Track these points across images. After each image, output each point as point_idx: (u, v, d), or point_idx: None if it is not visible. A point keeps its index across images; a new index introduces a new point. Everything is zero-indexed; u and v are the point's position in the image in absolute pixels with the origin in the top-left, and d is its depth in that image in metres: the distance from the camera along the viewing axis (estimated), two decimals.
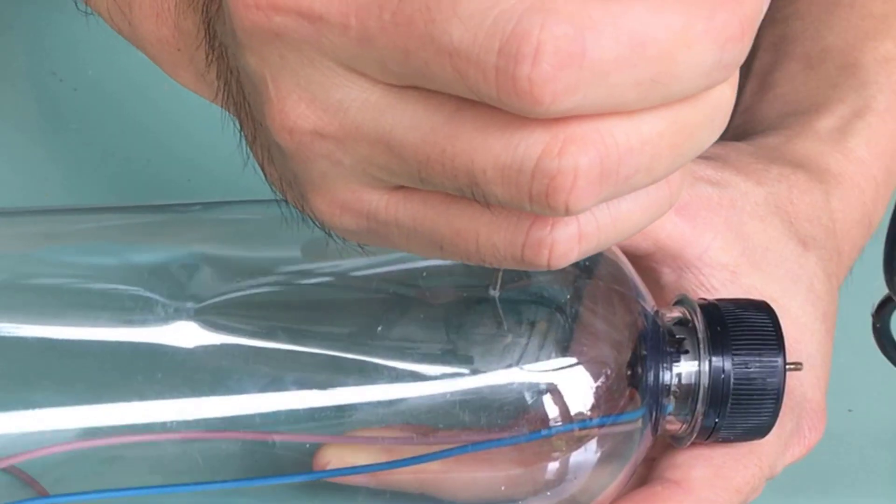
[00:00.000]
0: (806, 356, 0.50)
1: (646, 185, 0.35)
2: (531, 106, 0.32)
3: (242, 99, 0.38)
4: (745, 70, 0.62)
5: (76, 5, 0.48)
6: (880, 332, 0.44)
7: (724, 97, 0.35)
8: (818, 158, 0.55)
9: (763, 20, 0.63)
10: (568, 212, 0.33)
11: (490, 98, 0.32)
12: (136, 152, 0.65)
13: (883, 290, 0.61)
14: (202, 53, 0.41)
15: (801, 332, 0.50)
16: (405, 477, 0.46)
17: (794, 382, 0.49)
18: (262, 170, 0.40)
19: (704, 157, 0.53)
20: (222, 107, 0.41)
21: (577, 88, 0.32)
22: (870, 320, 0.50)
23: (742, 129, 0.58)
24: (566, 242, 0.35)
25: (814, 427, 0.50)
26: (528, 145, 0.33)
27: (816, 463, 0.54)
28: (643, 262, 0.50)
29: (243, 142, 0.40)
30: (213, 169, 0.63)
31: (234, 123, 0.40)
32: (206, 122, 0.65)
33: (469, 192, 0.34)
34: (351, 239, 0.39)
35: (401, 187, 0.36)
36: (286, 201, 0.39)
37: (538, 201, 0.33)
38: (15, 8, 0.71)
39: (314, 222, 0.39)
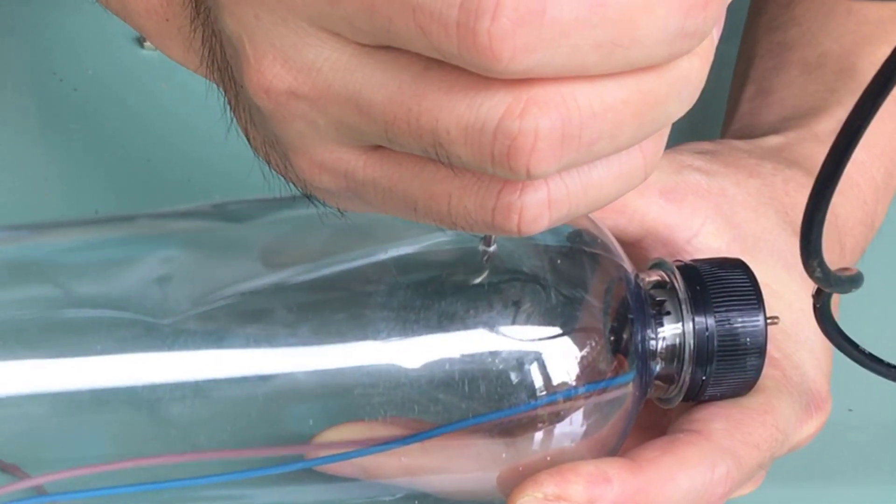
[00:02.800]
0: (803, 339, 0.50)
1: (609, 154, 0.35)
2: (490, 62, 0.32)
3: (225, 63, 0.39)
4: (743, 77, 0.62)
5: None
6: (820, 312, 0.44)
7: (692, 70, 0.35)
8: (816, 158, 0.55)
9: (760, 28, 0.64)
10: (529, 175, 0.34)
11: (452, 55, 0.33)
12: (136, 152, 0.65)
13: (886, 291, 0.61)
14: (188, 20, 0.41)
15: (797, 316, 0.50)
16: (393, 467, 0.46)
17: (794, 364, 0.50)
18: (246, 136, 0.40)
19: (696, 151, 0.53)
20: (207, 76, 0.41)
21: (537, 47, 0.32)
22: (869, 319, 0.51)
23: (740, 133, 0.58)
24: (535, 208, 0.35)
25: (819, 408, 0.50)
26: (491, 106, 0.33)
27: (817, 462, 0.54)
28: (633, 249, 0.50)
29: (233, 119, 0.40)
30: (214, 168, 0.63)
31: (229, 115, 0.41)
32: (206, 122, 0.66)
33: (434, 152, 0.34)
34: (331, 202, 0.39)
35: (377, 148, 0.36)
36: (270, 167, 0.40)
37: (500, 163, 0.33)
38: (15, 8, 0.71)
39: (296, 186, 0.39)
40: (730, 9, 0.62)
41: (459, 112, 0.33)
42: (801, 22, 0.62)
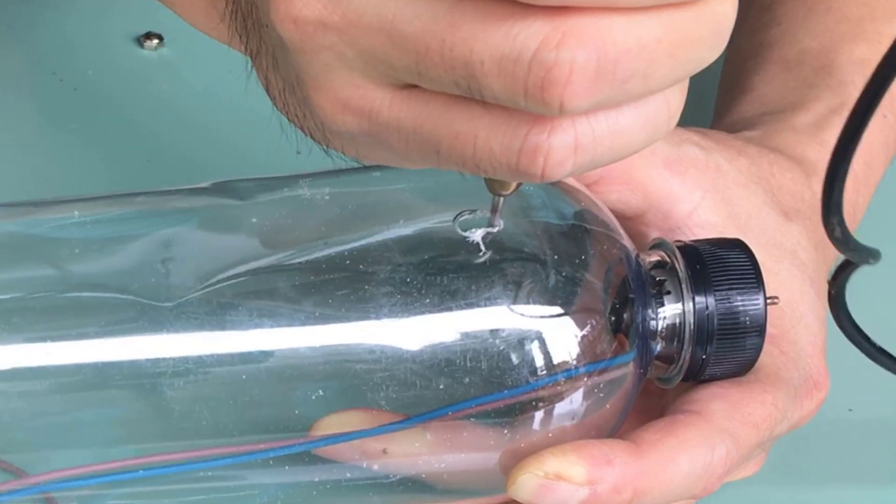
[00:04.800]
0: (799, 315, 0.50)
1: (640, 95, 0.35)
2: None
3: (249, 7, 0.39)
4: (728, 81, 0.63)
5: None
6: (835, 299, 0.44)
7: (725, 14, 0.35)
8: (795, 147, 0.55)
9: (744, 33, 0.64)
10: (562, 109, 0.33)
11: None
12: (136, 152, 0.65)
13: (884, 292, 0.61)
14: None
15: (792, 293, 0.50)
16: (395, 450, 0.45)
17: (791, 340, 0.50)
18: (267, 87, 0.40)
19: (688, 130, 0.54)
20: (229, 33, 0.41)
21: None
22: (867, 318, 0.51)
23: (718, 129, 0.59)
24: (562, 150, 0.35)
25: (818, 386, 0.50)
26: (528, 35, 0.33)
27: (817, 461, 0.54)
28: (632, 225, 0.51)
29: (252, 71, 0.40)
30: (214, 168, 0.63)
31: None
32: (206, 122, 0.66)
33: (466, 85, 0.34)
34: (349, 150, 0.39)
35: (405, 87, 0.36)
36: (288, 119, 0.40)
37: (533, 95, 0.33)
38: (15, 8, 0.71)
39: (314, 137, 0.39)
40: None
41: (495, 42, 0.33)
42: (782, 21, 0.62)
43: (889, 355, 0.47)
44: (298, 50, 0.36)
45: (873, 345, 0.46)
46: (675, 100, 0.36)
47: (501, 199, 0.43)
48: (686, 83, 0.37)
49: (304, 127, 0.39)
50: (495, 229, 0.44)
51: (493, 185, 0.41)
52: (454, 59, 0.34)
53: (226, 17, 0.41)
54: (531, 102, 0.34)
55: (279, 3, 0.36)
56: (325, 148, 0.39)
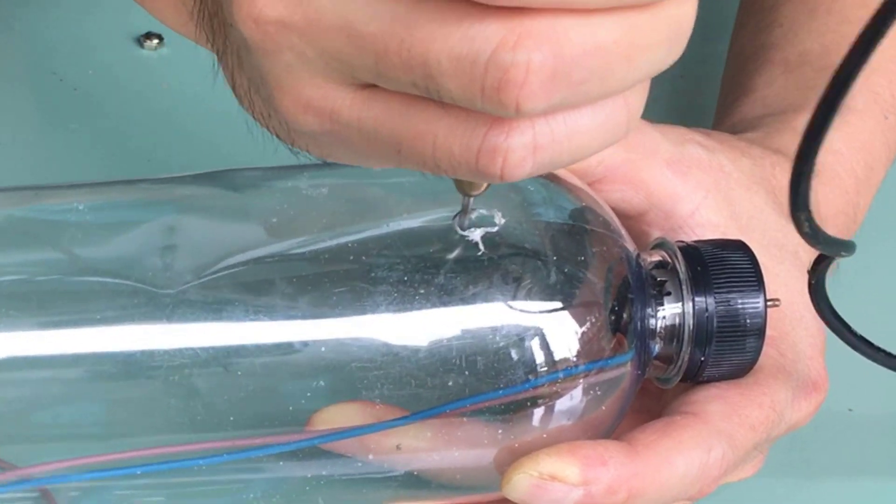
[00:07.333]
0: (798, 317, 0.50)
1: (598, 97, 0.35)
2: None
3: (216, 7, 0.39)
4: (730, 83, 0.63)
5: None
6: (814, 289, 0.44)
7: (683, 15, 0.35)
8: (793, 147, 0.55)
9: (747, 33, 0.64)
10: (518, 110, 0.34)
11: None
12: (136, 152, 0.65)
13: (884, 291, 0.61)
14: None
15: (792, 294, 0.50)
16: (392, 445, 0.46)
17: (790, 342, 0.50)
18: (233, 86, 0.40)
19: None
20: (197, 32, 0.41)
21: None
22: (867, 318, 0.51)
23: (720, 130, 0.59)
24: (520, 151, 0.35)
25: (816, 387, 0.50)
26: (485, 37, 0.33)
27: (816, 461, 0.54)
28: (634, 224, 0.51)
29: (219, 69, 0.41)
30: (214, 168, 0.63)
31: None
32: (206, 122, 0.66)
33: (424, 85, 0.34)
34: (313, 149, 0.39)
35: (365, 87, 0.36)
36: (254, 117, 0.40)
37: (490, 97, 0.33)
38: (15, 8, 0.71)
39: (279, 136, 0.39)
40: (719, 9, 0.61)
41: (452, 43, 0.33)
42: (784, 22, 0.62)
43: (869, 343, 0.47)
44: (260, 50, 0.36)
45: (854, 333, 0.46)
46: (635, 101, 0.36)
47: (471, 199, 0.43)
48: (647, 84, 0.37)
49: (269, 126, 0.39)
50: (495, 228, 0.44)
51: (462, 186, 0.42)
52: (412, 60, 0.34)
53: (193, 15, 0.41)
54: (488, 103, 0.34)
55: (241, 2, 0.36)
56: (290, 147, 0.39)
